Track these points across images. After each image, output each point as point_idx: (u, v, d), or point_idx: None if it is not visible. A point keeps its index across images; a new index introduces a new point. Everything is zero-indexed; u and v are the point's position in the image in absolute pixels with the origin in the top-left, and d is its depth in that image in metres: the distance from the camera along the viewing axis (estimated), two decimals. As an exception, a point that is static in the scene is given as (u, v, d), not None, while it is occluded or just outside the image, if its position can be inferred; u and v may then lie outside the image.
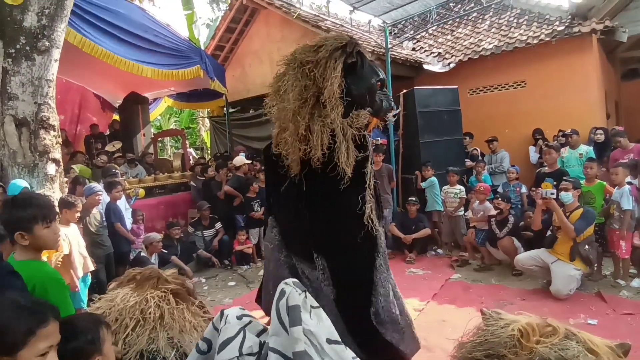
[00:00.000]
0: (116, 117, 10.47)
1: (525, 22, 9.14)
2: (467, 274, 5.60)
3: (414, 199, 6.64)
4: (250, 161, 7.63)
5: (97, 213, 5.19)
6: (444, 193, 6.70)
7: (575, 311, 4.07)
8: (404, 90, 7.67)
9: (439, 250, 6.71)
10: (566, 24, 8.13)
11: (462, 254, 6.31)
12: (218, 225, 7.12)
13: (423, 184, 6.95)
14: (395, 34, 11.34)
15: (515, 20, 9.46)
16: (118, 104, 10.20)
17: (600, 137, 6.76)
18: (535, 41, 8.15)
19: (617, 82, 11.73)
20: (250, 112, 11.13)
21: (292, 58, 2.94)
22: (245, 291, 5.76)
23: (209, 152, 14.35)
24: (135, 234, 6.12)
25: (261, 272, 6.46)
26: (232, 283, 6.13)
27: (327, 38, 2.92)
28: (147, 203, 7.29)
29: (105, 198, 5.61)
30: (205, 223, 7.04)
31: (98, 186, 5.43)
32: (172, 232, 6.65)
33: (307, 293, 1.71)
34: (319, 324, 1.65)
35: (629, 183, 5.22)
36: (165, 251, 6.29)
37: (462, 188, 6.58)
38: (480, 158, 7.70)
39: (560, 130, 7.40)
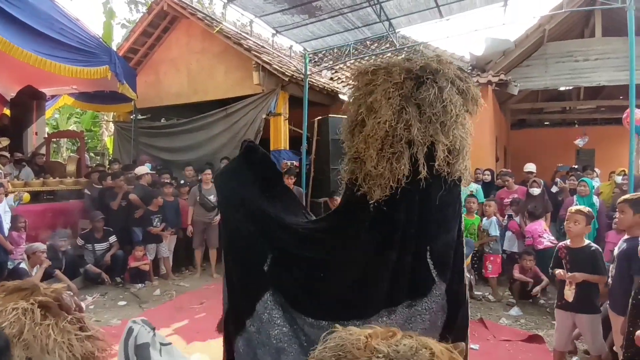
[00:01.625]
0: (7, 111, 9.37)
1: (432, 67, 9.96)
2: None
3: (321, 223, 6.76)
4: (153, 171, 7.25)
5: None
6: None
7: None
8: (319, 117, 7.90)
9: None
10: (466, 74, 9.01)
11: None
12: (112, 238, 6.61)
13: None
14: (315, 61, 11.69)
15: (424, 64, 10.27)
16: (11, 97, 9.16)
17: (488, 177, 7.51)
18: (440, 85, 8.89)
19: (507, 129, 13.19)
20: (162, 121, 10.65)
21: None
22: (136, 312, 5.36)
23: (109, 159, 13.39)
24: (14, 242, 5.45)
25: (157, 292, 6.11)
26: (123, 302, 5.70)
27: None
28: (32, 209, 6.55)
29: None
30: (97, 235, 6.50)
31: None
32: (57, 244, 6.02)
33: (156, 331, 1.64)
34: None
35: (510, 217, 5.94)
36: (50, 263, 5.68)
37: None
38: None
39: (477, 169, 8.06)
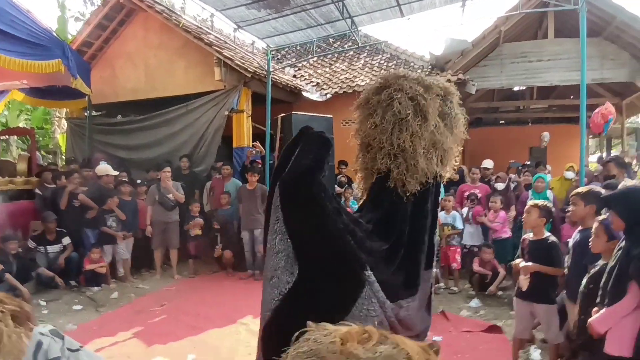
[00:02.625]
0: (-52, 107, 8.78)
1: (393, 66, 10.12)
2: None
3: (285, 221, 6.72)
4: (116, 173, 6.94)
5: None
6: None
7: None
8: (282, 114, 7.82)
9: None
10: (426, 73, 9.21)
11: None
12: (66, 240, 6.33)
13: None
14: (278, 58, 11.60)
15: (385, 63, 10.42)
16: (-46, 93, 8.59)
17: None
18: (401, 84, 9.04)
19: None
20: (118, 117, 10.26)
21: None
22: (93, 315, 5.16)
23: (63, 157, 12.79)
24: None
25: (114, 295, 5.89)
26: (79, 307, 5.46)
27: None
28: (-23, 211, 6.17)
29: None
30: (50, 237, 6.20)
31: None
32: (7, 246, 5.68)
33: (66, 337, 1.57)
34: None
35: (472, 206, 6.20)
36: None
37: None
38: (347, 185, 8.15)
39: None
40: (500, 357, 3.90)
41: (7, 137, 14.01)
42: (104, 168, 6.79)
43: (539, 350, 3.93)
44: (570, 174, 7.03)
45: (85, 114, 9.28)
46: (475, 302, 5.32)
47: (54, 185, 6.89)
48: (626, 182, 3.32)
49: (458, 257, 6.02)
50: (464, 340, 4.26)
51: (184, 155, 8.04)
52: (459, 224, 6.10)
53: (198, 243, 7.00)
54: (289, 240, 2.36)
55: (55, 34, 7.35)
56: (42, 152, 15.18)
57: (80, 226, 6.46)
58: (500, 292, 5.72)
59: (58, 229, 6.30)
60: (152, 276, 6.86)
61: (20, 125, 15.40)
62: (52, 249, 6.22)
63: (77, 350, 1.52)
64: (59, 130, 15.66)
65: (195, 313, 5.06)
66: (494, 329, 4.51)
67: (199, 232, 7.00)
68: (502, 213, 6.15)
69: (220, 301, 5.51)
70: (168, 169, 6.91)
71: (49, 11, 40.62)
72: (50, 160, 13.91)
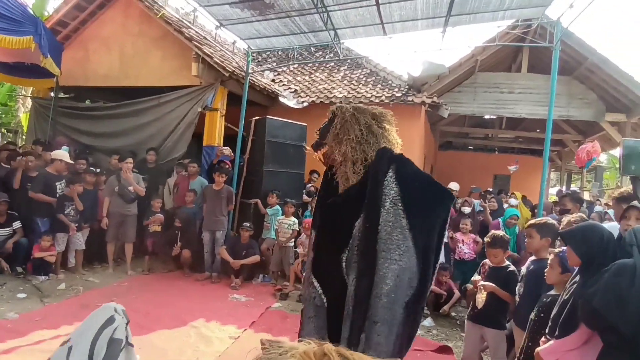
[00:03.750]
0: None
1: (372, 82, 10.25)
2: (288, 304, 5.75)
3: (248, 224, 6.65)
4: (70, 161, 6.63)
5: None
6: (279, 223, 6.85)
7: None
8: (257, 117, 7.78)
9: (267, 277, 6.76)
10: (403, 92, 9.38)
11: (285, 284, 6.47)
12: (17, 224, 6.04)
13: (269, 210, 7.02)
14: (258, 61, 11.55)
15: (364, 79, 10.54)
16: None
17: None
18: (377, 100, 9.17)
19: (435, 149, 13.88)
20: (86, 102, 9.93)
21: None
22: (37, 306, 4.92)
23: (23, 137, 12.23)
24: None
25: (62, 286, 5.63)
26: (23, 295, 5.20)
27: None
28: None
29: None
30: (0, 219, 5.89)
31: None
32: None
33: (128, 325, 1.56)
34: None
35: None
36: None
37: (296, 220, 6.83)
38: (315, 194, 8.16)
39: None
40: (447, 379, 3.96)
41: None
42: (61, 153, 6.50)
43: (486, 375, 4.01)
44: (513, 201, 7.38)
45: (52, 95, 8.92)
46: (428, 322, 5.38)
47: (9, 166, 6.56)
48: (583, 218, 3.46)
49: None
50: (414, 359, 4.29)
51: (151, 148, 7.83)
52: None
53: (156, 239, 6.81)
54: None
55: (30, 10, 7.06)
56: (3, 129, 14.51)
57: (32, 211, 6.16)
58: (453, 314, 5.82)
59: (9, 211, 5.99)
60: (104, 270, 6.62)
61: (-19, 99, 14.66)
62: (1, 232, 5.90)
63: (132, 346, 1.49)
64: (23, 109, 15.00)
65: (145, 312, 4.89)
66: (444, 350, 4.57)
67: (159, 228, 6.81)
68: (472, 235, 6.34)
69: (172, 301, 5.36)
70: (130, 160, 6.71)
71: (25, -15, 38.93)
72: (9, 140, 13.29)
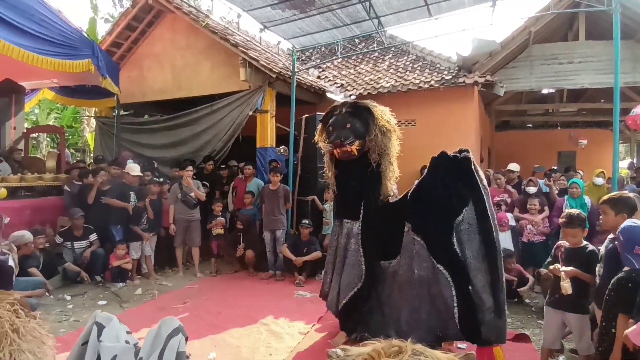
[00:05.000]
0: (-17, 105, 9.07)
1: (419, 68, 9.98)
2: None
3: (307, 221, 6.69)
4: (140, 174, 7.01)
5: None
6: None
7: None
8: (306, 115, 7.82)
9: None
10: (453, 74, 9.05)
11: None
12: (93, 236, 6.45)
13: (326, 206, 7.04)
14: (302, 59, 11.61)
15: (410, 65, 10.29)
16: (-12, 91, 8.87)
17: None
18: (426, 86, 8.91)
19: (491, 131, 13.30)
20: (145, 117, 10.43)
21: None
22: (117, 311, 5.21)
23: (91, 155, 13.08)
24: (-11, 239, 5.24)
25: (138, 291, 5.96)
26: (103, 302, 5.54)
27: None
28: (9, 205, 6.32)
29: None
30: (77, 233, 6.32)
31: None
32: (36, 241, 5.80)
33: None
34: None
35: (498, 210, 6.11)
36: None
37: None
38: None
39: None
40: (527, 367, 3.77)
41: (37, 134, 14.42)
42: (132, 167, 6.89)
43: (568, 362, 3.80)
44: (599, 180, 6.77)
45: (114, 113, 9.46)
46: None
47: (82, 183, 7.02)
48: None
49: None
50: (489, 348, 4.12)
51: (208, 155, 8.14)
52: None
53: (220, 242, 7.04)
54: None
55: (85, 34, 7.50)
56: (71, 150, 15.57)
57: (107, 223, 6.57)
58: (527, 300, 5.56)
59: (85, 225, 6.41)
60: (174, 274, 6.92)
61: (51, 123, 15.84)
62: (79, 244, 6.33)
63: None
64: (88, 128, 16.06)
65: (216, 312, 5.07)
66: (521, 338, 4.36)
67: (221, 231, 7.04)
68: (540, 215, 6.08)
69: (241, 301, 5.51)
70: (190, 167, 6.98)
71: (79, 13, 41.70)
72: (78, 158, 14.25)
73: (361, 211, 4.07)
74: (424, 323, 3.72)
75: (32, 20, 6.07)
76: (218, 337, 4.32)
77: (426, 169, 3.94)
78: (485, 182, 3.73)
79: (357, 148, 3.93)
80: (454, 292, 3.52)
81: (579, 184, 6.11)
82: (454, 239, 3.54)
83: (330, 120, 4.15)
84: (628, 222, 2.69)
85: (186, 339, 1.63)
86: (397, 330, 3.77)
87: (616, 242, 2.75)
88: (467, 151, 3.76)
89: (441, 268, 3.58)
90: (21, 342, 1.25)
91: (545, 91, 12.90)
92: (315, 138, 4.42)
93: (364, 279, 3.98)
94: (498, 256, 3.51)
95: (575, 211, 3.45)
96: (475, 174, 3.63)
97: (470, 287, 3.46)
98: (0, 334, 1.24)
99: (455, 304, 3.51)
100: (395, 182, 4.25)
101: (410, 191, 3.93)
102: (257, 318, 4.85)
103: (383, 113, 4.05)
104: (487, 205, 3.59)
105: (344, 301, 4.03)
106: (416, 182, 3.97)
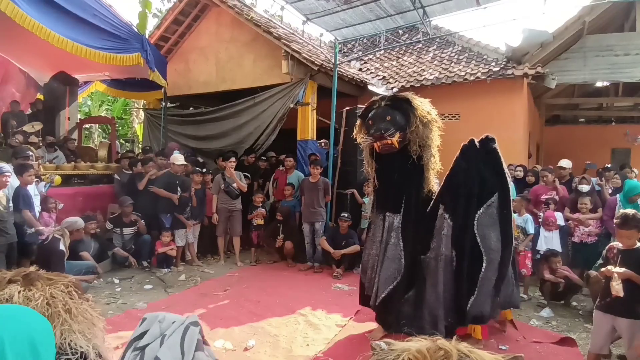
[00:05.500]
0: (40, 96, 9.62)
1: (464, 59, 9.69)
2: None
3: (346, 215, 6.69)
4: (185, 163, 7.25)
5: (2, 197, 4.66)
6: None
7: (488, 335, 4.25)
8: (347, 108, 7.78)
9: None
10: (501, 66, 8.72)
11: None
12: (141, 224, 6.72)
13: (365, 200, 7.02)
14: (344, 52, 11.54)
15: (456, 56, 10.00)
16: (44, 83, 9.39)
17: (520, 173, 7.25)
18: (472, 78, 8.64)
19: (540, 125, 12.76)
20: (190, 109, 10.72)
21: None
22: (162, 295, 5.43)
23: (139, 145, 13.61)
24: (45, 223, 5.58)
25: (182, 277, 6.17)
26: (149, 286, 5.77)
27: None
28: (63, 192, 6.70)
29: (14, 181, 5.07)
30: (126, 220, 6.61)
31: (7, 166, 4.90)
32: (87, 227, 6.12)
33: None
34: None
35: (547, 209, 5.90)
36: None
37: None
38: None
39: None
40: (572, 372, 3.63)
41: (89, 125, 15.14)
42: (178, 157, 7.12)
43: (616, 368, 3.62)
44: None
45: (161, 105, 9.79)
46: (546, 312, 4.97)
47: (131, 172, 7.32)
48: None
49: (529, 263, 5.62)
50: (533, 351, 3.99)
51: (249, 147, 8.27)
52: (531, 228, 5.70)
53: (260, 232, 7.16)
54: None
55: (135, 28, 7.77)
56: (121, 140, 16.27)
57: (154, 210, 6.82)
58: (574, 303, 5.33)
59: (134, 212, 6.69)
60: (216, 262, 7.12)
61: (102, 114, 16.62)
62: (128, 231, 6.62)
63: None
64: (137, 120, 16.71)
65: (256, 300, 5.17)
66: (566, 342, 4.19)
67: (261, 222, 7.15)
68: (593, 215, 5.85)
69: (280, 291, 5.59)
70: (233, 159, 7.11)
71: (128, 7, 43.22)
72: (128, 148, 14.86)
73: (402, 204, 4.05)
74: (447, 304, 3.84)
75: (85, 15, 6.35)
76: (257, 325, 4.41)
77: (459, 154, 4.03)
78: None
79: (398, 140, 3.91)
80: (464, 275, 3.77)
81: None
82: (476, 225, 3.73)
83: (370, 114, 4.14)
84: None
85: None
86: (428, 313, 3.90)
87: None
88: (493, 140, 3.96)
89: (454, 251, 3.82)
90: (72, 323, 1.31)
91: (599, 84, 12.21)
92: (354, 133, 4.40)
93: (403, 273, 3.97)
94: (510, 249, 3.83)
95: (631, 211, 3.26)
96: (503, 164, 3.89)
97: (480, 274, 3.69)
98: (54, 313, 1.30)
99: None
100: (436, 176, 4.18)
101: (446, 175, 4.04)
102: (295, 308, 4.91)
103: (423, 104, 4.03)
104: (510, 196, 3.86)
105: (382, 295, 4.01)
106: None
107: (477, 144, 3.97)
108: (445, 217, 3.87)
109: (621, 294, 2.95)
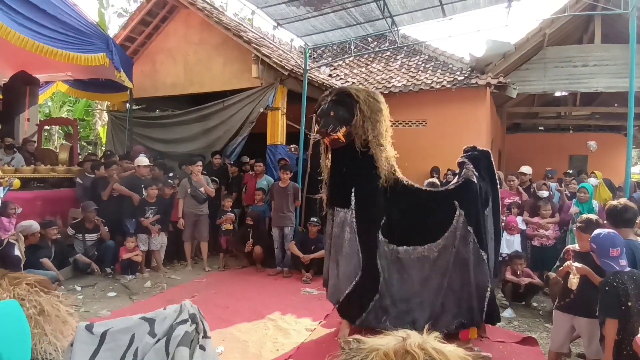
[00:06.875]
0: (-1, 96, 9.21)
1: (431, 68, 9.95)
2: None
3: (315, 219, 6.71)
4: (151, 164, 7.11)
5: (-45, 201, 4.43)
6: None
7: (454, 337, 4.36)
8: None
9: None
10: (466, 75, 9.01)
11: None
12: (104, 230, 6.51)
13: None
14: (314, 57, 11.62)
15: (422, 65, 10.26)
16: (3, 82, 8.99)
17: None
18: (438, 86, 8.89)
19: (502, 133, 13.22)
20: (157, 112, 10.51)
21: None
22: (126, 303, 5.28)
23: (102, 148, 13.22)
24: (4, 228, 5.33)
25: (147, 284, 6.02)
26: (113, 294, 5.60)
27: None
28: (22, 196, 6.40)
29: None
30: (89, 226, 6.39)
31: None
32: (48, 232, 5.89)
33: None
34: None
35: (508, 214, 6.11)
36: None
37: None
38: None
39: (448, 169, 8.08)
40: (534, 370, 3.76)
41: (50, 126, 14.58)
42: (142, 159, 6.97)
43: (575, 366, 3.78)
44: (593, 181, 6.84)
45: (126, 107, 9.55)
46: (508, 312, 5.15)
47: (94, 175, 7.10)
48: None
49: None
50: (497, 351, 4.11)
51: (216, 151, 8.17)
52: None
53: (229, 237, 7.08)
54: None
55: (100, 28, 7.56)
56: (83, 142, 15.74)
57: (118, 216, 6.63)
58: (535, 304, 5.53)
59: (97, 218, 6.48)
60: (183, 267, 6.98)
61: (63, 115, 16.01)
62: (90, 237, 6.39)
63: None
64: (100, 122, 16.22)
65: (224, 306, 5.11)
66: (528, 341, 4.35)
67: (230, 227, 7.08)
68: (552, 219, 6.10)
69: (248, 296, 5.54)
70: (200, 163, 7.02)
71: (87, 5, 41.96)
72: (90, 151, 14.39)
73: (352, 198, 4.05)
74: (451, 308, 3.93)
75: (47, 13, 6.14)
76: (226, 331, 4.35)
77: (465, 158, 4.25)
78: None
79: (344, 134, 3.96)
80: (488, 277, 3.96)
81: (587, 188, 6.07)
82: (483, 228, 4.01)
83: (318, 110, 4.19)
84: (596, 231, 2.94)
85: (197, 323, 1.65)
86: (419, 316, 3.95)
87: (592, 254, 2.95)
88: (489, 152, 4.36)
89: (482, 253, 3.92)
90: (45, 325, 1.27)
91: (558, 94, 12.79)
92: (312, 129, 4.50)
93: (363, 268, 3.99)
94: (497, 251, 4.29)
95: (593, 217, 3.44)
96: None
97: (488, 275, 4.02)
98: (26, 316, 1.25)
99: (489, 288, 3.95)
100: (391, 162, 4.19)
101: (458, 178, 4.22)
102: (264, 313, 4.88)
103: (368, 96, 4.07)
104: (499, 203, 4.25)
105: (347, 291, 4.04)
106: (465, 168, 4.20)
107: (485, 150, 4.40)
108: (466, 224, 3.93)
109: (574, 287, 3.11)
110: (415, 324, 3.78)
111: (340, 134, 3.93)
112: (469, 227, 3.90)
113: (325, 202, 4.44)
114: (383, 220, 4.04)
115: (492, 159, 4.24)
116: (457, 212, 3.94)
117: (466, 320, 3.93)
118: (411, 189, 4.15)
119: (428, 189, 4.40)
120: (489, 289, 3.94)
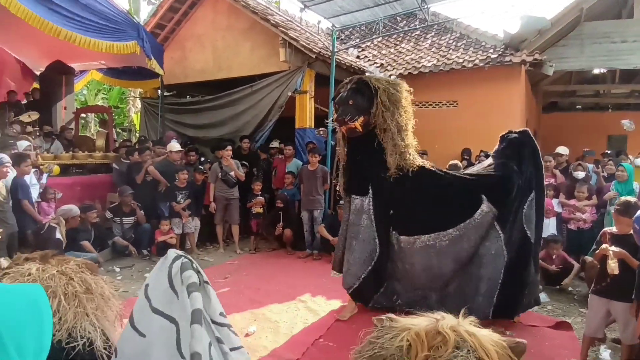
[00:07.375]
0: (37, 85, 9.55)
1: (463, 46, 9.66)
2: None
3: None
4: (183, 149, 7.27)
5: (2, 187, 4.67)
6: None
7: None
8: (345, 96, 7.76)
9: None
10: (499, 53, 8.71)
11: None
12: (140, 213, 6.74)
13: None
14: (342, 39, 11.48)
15: (454, 43, 9.97)
16: (40, 72, 9.31)
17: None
18: (470, 65, 8.63)
19: (537, 112, 12.78)
20: (187, 98, 10.68)
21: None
22: (163, 283, 5.46)
23: (136, 134, 13.58)
24: (44, 212, 5.60)
25: (182, 265, 6.19)
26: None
27: None
28: (62, 182, 6.70)
29: (13, 172, 5.08)
30: (125, 209, 6.62)
31: (6, 157, 4.89)
32: (88, 216, 6.15)
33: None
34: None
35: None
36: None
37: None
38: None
39: (481, 151, 7.90)
40: (567, 355, 3.69)
41: (85, 114, 15.05)
42: (174, 145, 7.13)
43: (609, 351, 3.70)
44: (638, 161, 6.51)
45: (158, 93, 9.73)
46: (542, 296, 5.03)
47: (129, 161, 7.32)
48: None
49: None
50: (530, 335, 4.05)
51: (245, 136, 8.24)
52: None
53: (260, 221, 7.20)
54: None
55: (130, 16, 7.69)
56: (118, 129, 16.19)
57: (153, 200, 6.84)
58: (570, 288, 5.41)
59: (133, 202, 6.70)
60: (215, 250, 7.16)
61: (98, 103, 16.49)
62: (127, 220, 6.63)
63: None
64: (133, 109, 16.61)
65: (256, 287, 5.23)
66: (562, 326, 4.27)
67: (261, 210, 7.19)
68: (589, 202, 5.91)
69: (279, 278, 5.65)
70: (230, 147, 7.12)
71: (124, -4, 42.52)
72: (124, 137, 14.79)
73: (369, 187, 4.08)
74: (468, 298, 3.90)
75: (79, 2, 6.28)
76: (258, 311, 4.47)
77: (499, 146, 4.23)
78: None
79: (362, 124, 3.94)
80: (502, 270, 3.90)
81: (626, 167, 5.82)
82: (524, 218, 3.95)
83: (337, 98, 4.16)
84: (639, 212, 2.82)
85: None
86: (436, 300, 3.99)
87: (634, 234, 2.86)
88: (528, 132, 4.34)
89: (503, 245, 3.89)
90: (87, 305, 1.33)
91: (596, 71, 12.23)
92: (332, 117, 4.48)
93: (378, 255, 4.07)
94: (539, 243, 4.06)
95: (632, 199, 3.33)
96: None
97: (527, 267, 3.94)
98: (70, 294, 1.32)
99: (500, 280, 3.90)
100: (409, 153, 4.11)
101: (484, 168, 4.16)
102: (295, 295, 4.97)
103: (388, 86, 4.02)
104: (544, 192, 4.19)
105: (363, 275, 4.11)
106: (489, 159, 4.23)
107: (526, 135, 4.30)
108: (491, 213, 3.91)
109: (616, 272, 3.01)
110: (427, 301, 3.95)
111: (357, 123, 3.92)
112: (496, 224, 3.91)
113: (342, 189, 4.46)
114: (391, 212, 4.12)
115: (535, 140, 4.11)
116: (483, 207, 3.88)
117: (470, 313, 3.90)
118: (429, 176, 4.11)
119: (450, 173, 4.29)
120: (499, 284, 3.93)
